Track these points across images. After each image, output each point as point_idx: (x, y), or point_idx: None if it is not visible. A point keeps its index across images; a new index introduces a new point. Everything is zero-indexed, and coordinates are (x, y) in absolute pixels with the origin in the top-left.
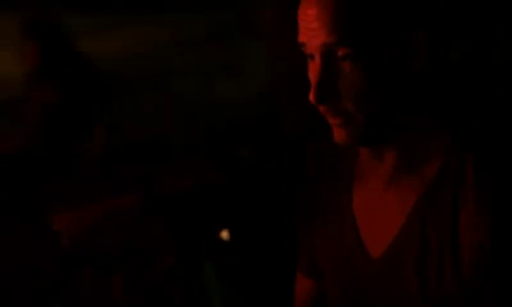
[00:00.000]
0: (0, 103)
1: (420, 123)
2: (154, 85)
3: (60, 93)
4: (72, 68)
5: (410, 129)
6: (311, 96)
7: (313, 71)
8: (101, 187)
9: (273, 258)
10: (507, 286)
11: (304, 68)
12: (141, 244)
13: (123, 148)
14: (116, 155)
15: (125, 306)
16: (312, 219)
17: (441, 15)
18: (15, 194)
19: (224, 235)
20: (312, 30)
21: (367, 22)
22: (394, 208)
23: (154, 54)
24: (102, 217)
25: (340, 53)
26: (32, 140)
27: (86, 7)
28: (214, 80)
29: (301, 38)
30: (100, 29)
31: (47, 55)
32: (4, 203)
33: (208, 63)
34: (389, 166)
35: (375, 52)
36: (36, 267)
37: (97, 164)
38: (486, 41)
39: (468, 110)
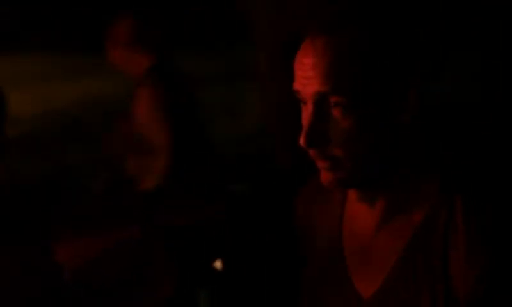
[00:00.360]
0: (11, 139)
1: (409, 168)
2: None
3: None
4: None
5: (399, 174)
6: (301, 141)
7: (305, 116)
8: (102, 220)
9: (266, 286)
10: None
11: (295, 108)
12: (140, 275)
13: (124, 182)
14: (116, 189)
15: None
16: (307, 260)
17: (432, 69)
18: (16, 226)
19: (218, 264)
20: (306, 78)
21: (360, 74)
22: (384, 251)
23: None
24: (102, 249)
25: (332, 100)
26: None
27: (88, 48)
28: (214, 120)
29: (296, 86)
30: (101, 68)
31: None
32: (5, 234)
33: (208, 103)
34: (378, 210)
35: (366, 103)
36: (37, 299)
37: (99, 199)
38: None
39: (455, 153)
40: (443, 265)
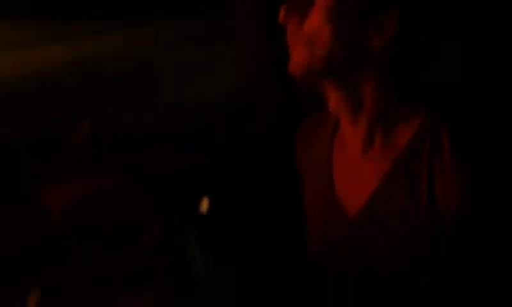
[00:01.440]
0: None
1: (395, 96)
2: (139, 84)
3: None
4: None
5: (385, 100)
6: (280, 13)
7: None
8: (91, 166)
9: (253, 229)
10: (487, 248)
11: (278, 66)
12: (130, 218)
13: (110, 138)
14: (104, 142)
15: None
16: (303, 185)
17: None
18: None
19: (204, 204)
20: None
21: None
22: (369, 174)
23: (140, 55)
24: (92, 193)
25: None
26: None
27: (72, 15)
28: (193, 80)
29: None
30: (90, 34)
31: None
32: None
33: (186, 63)
34: (364, 134)
35: (345, 12)
36: (26, 242)
37: (86, 150)
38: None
39: (446, 91)
40: (428, 187)
